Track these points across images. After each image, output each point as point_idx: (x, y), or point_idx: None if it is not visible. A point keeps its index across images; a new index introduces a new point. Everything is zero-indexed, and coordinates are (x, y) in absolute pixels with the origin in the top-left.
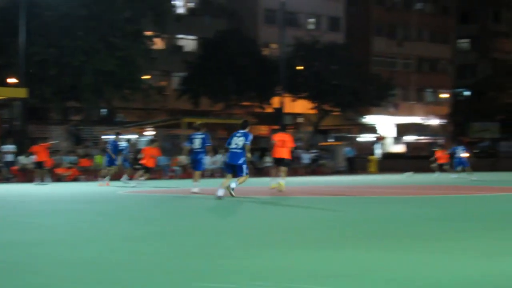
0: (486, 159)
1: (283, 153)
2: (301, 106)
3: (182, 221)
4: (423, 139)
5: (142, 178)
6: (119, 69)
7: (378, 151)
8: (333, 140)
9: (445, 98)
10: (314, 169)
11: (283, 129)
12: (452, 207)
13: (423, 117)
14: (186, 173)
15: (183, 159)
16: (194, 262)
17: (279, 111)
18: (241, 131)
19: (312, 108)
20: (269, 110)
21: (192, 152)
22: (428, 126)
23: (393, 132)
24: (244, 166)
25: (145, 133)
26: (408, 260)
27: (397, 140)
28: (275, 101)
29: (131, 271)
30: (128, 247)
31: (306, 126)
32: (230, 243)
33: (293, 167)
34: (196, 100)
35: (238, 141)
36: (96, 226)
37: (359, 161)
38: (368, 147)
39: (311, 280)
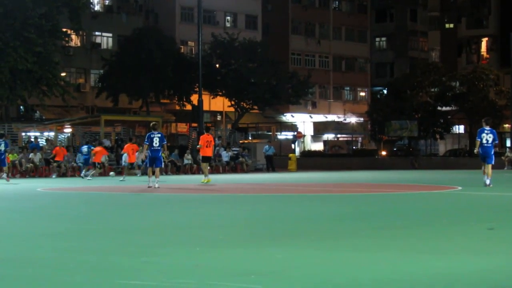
0: (404, 157)
1: (210, 152)
2: (219, 104)
3: (104, 219)
4: (341, 137)
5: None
6: (36, 66)
7: (297, 149)
8: (252, 138)
9: (363, 96)
10: (233, 166)
11: (207, 130)
12: (371, 205)
13: (341, 115)
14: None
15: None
16: (116, 259)
17: (197, 109)
18: (488, 128)
19: (230, 106)
20: (187, 107)
21: (151, 150)
22: (346, 124)
23: (312, 130)
24: (493, 157)
25: (65, 130)
26: (326, 258)
27: (316, 138)
28: (194, 99)
29: (52, 269)
30: (49, 244)
31: (225, 124)
32: (151, 241)
33: (213, 164)
34: (114, 97)
35: (487, 137)
36: (15, 223)
37: (278, 159)
38: (287, 145)
39: (233, 278)
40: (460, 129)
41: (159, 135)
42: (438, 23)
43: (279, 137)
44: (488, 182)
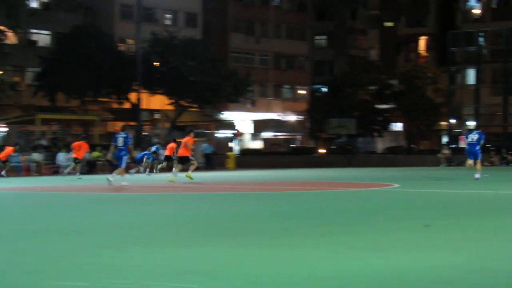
0: (342, 155)
1: (186, 152)
2: (158, 102)
3: (43, 220)
4: (280, 135)
5: None
6: None
7: (236, 147)
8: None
9: (303, 95)
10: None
11: (188, 133)
12: (308, 203)
13: (281, 113)
14: (39, 169)
15: (36, 155)
16: (54, 261)
17: (136, 107)
18: (476, 131)
19: (169, 104)
20: (126, 106)
21: (116, 150)
22: (285, 122)
23: (251, 128)
24: (478, 153)
25: None
26: (263, 256)
27: (255, 136)
28: (132, 97)
29: None
30: None
31: (164, 122)
32: (89, 241)
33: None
34: (51, 96)
35: (473, 136)
36: None
37: (217, 157)
38: (226, 144)
39: (169, 277)
40: (398, 126)
41: (125, 135)
42: (378, 21)
43: (218, 135)
44: (477, 176)
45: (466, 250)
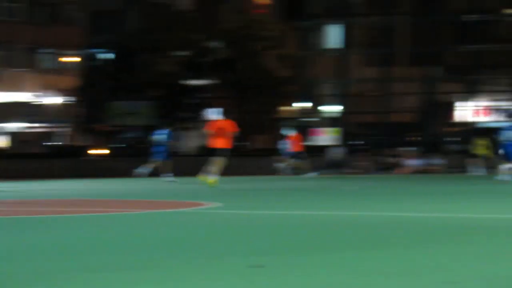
0: (131, 159)
1: (221, 142)
2: None
3: None
4: (37, 127)
5: None
6: None
7: None
8: None
9: (73, 64)
10: None
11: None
12: (59, 235)
13: (37, 93)
14: None
15: None
16: None
17: None
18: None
19: None
20: None
21: None
22: (45, 107)
23: None
24: None
25: None
26: None
27: None
28: None
29: None
30: None
31: None
32: None
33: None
34: None
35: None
36: None
37: None
38: None
39: None
40: (219, 113)
41: None
42: None
43: None
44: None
45: None
